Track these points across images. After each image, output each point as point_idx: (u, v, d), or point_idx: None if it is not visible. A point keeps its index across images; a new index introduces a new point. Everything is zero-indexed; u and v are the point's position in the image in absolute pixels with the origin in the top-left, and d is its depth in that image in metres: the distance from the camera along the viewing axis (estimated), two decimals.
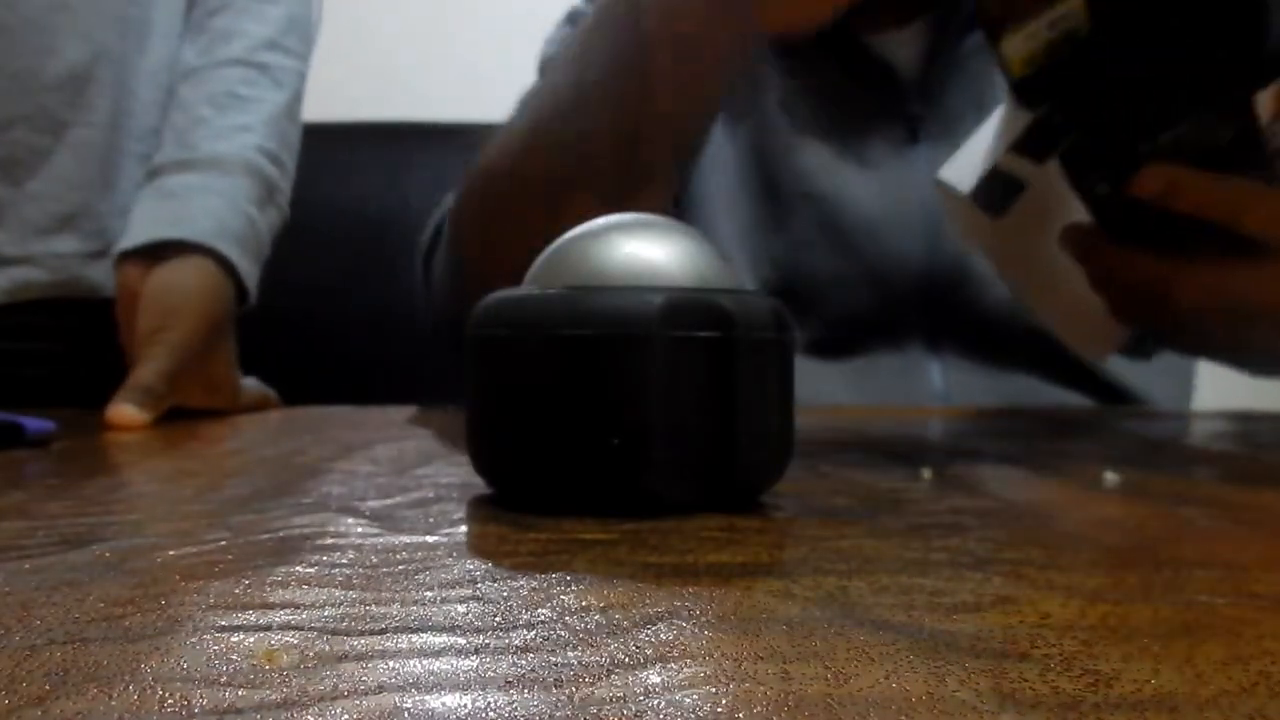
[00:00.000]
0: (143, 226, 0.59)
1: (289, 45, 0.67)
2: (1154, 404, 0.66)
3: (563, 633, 0.16)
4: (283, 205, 0.66)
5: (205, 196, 0.60)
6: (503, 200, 0.50)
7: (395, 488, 0.29)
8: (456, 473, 0.32)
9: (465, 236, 0.54)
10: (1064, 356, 0.61)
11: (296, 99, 0.68)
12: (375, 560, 0.20)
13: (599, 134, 0.45)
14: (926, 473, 0.32)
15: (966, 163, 0.50)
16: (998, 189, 0.49)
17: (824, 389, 0.64)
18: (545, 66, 0.69)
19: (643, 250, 0.25)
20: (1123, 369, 0.65)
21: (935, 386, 0.63)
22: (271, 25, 0.67)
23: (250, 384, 0.64)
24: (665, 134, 0.46)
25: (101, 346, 0.62)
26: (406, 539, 0.22)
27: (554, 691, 0.13)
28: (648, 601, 0.17)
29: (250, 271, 0.61)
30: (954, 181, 0.50)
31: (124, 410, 0.50)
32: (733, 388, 0.24)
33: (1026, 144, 0.48)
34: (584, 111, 0.46)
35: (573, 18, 0.71)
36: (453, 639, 0.15)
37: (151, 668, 0.14)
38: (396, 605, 0.17)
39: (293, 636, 0.15)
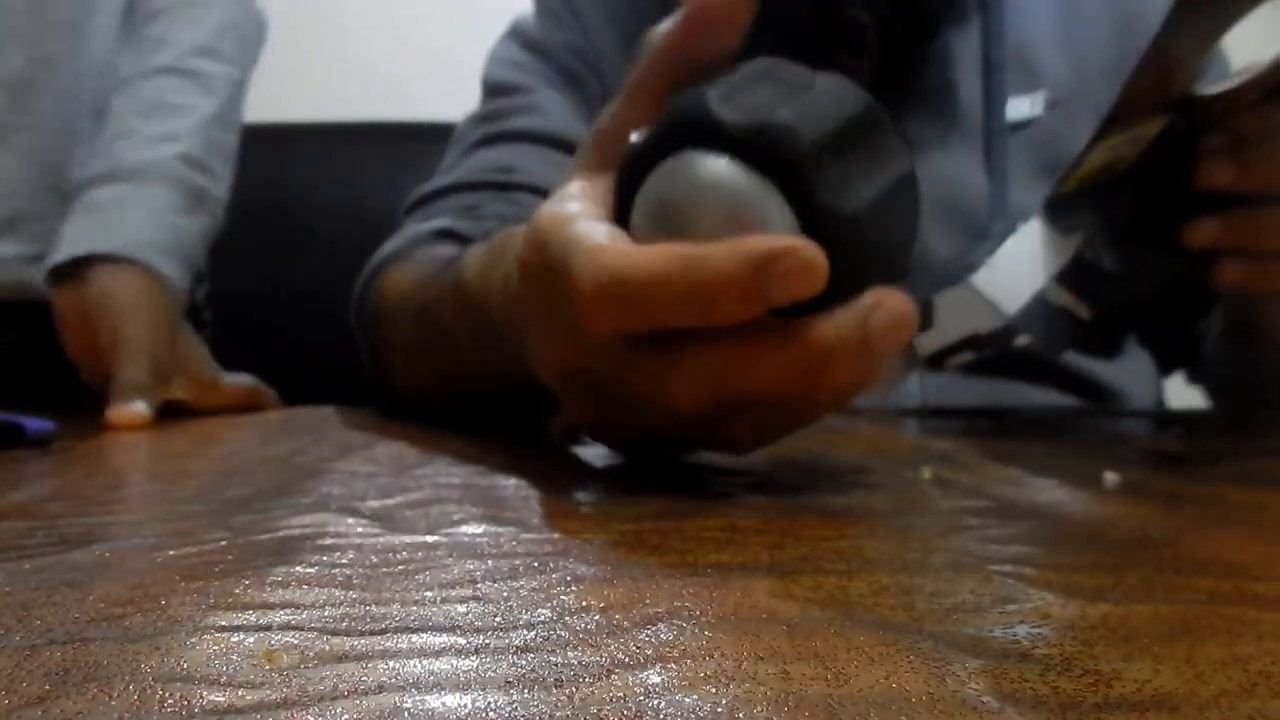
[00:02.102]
0: (70, 241, 0.60)
1: (223, 50, 0.67)
2: (1127, 399, 0.67)
3: (563, 633, 0.16)
4: (215, 211, 0.66)
5: (128, 209, 0.61)
6: (405, 365, 0.53)
7: (395, 488, 0.29)
8: (456, 472, 0.32)
9: (379, 366, 0.57)
10: (1038, 355, 0.61)
11: (230, 105, 0.68)
12: (375, 560, 0.20)
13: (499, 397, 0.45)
14: (926, 473, 0.32)
15: (1007, 280, 0.45)
16: (1050, 322, 0.45)
17: None
18: (494, 86, 0.69)
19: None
20: (1092, 366, 0.65)
21: (911, 388, 0.63)
22: (204, 31, 0.67)
23: (243, 379, 0.64)
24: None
25: (48, 347, 0.64)
26: (406, 539, 0.22)
27: (554, 691, 0.13)
28: (648, 601, 0.17)
29: (180, 279, 0.61)
30: (995, 297, 0.45)
31: (124, 410, 0.51)
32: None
33: (1070, 277, 0.45)
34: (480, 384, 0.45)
35: (517, 33, 0.71)
36: (453, 639, 0.15)
37: (151, 668, 0.14)
38: (396, 605, 0.17)
39: (293, 636, 0.15)
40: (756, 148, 0.25)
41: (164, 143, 0.63)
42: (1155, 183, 0.45)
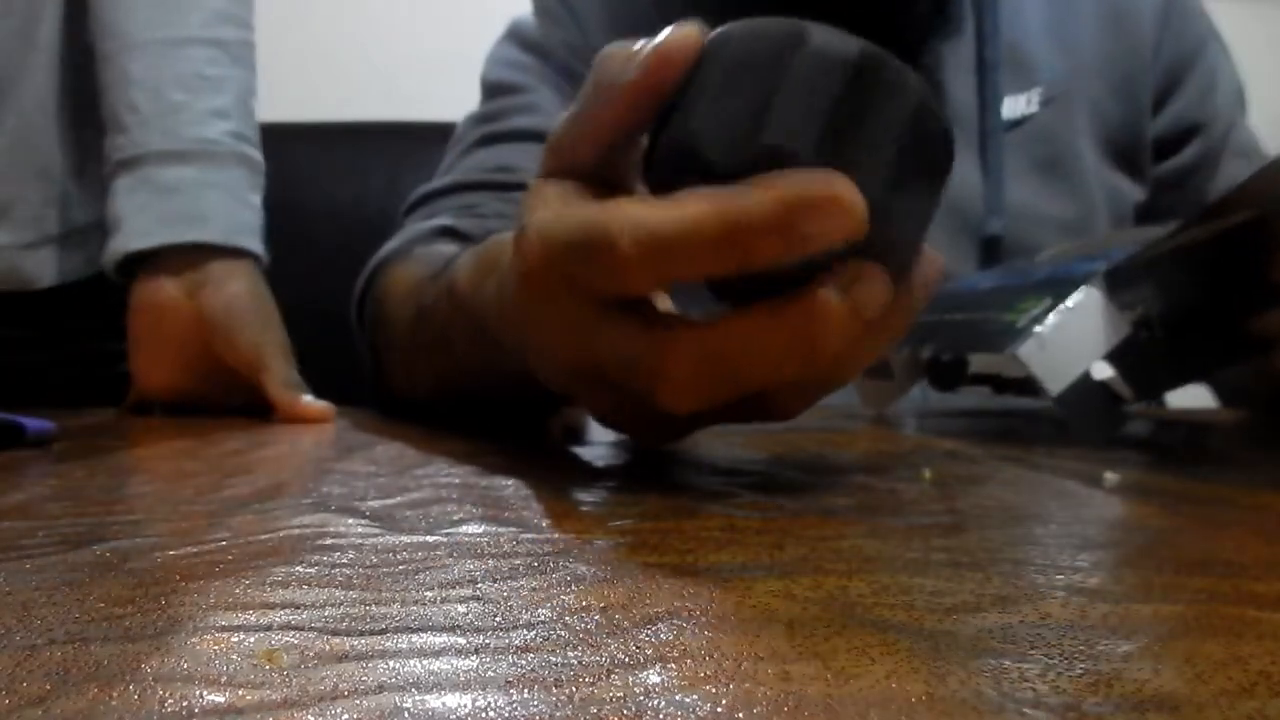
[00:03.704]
0: (150, 224, 0.58)
1: (239, 15, 0.66)
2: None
3: (563, 633, 0.16)
4: (263, 186, 0.66)
5: (210, 191, 0.60)
6: (410, 365, 0.54)
7: (395, 488, 0.29)
8: (456, 472, 0.32)
9: (380, 364, 0.58)
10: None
11: (253, 73, 0.67)
12: (375, 560, 0.20)
13: (500, 391, 0.46)
14: (926, 473, 0.32)
15: (1057, 356, 0.41)
16: (1091, 400, 0.41)
17: None
18: (492, 86, 0.69)
19: None
20: None
21: (913, 393, 0.63)
22: None
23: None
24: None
25: (42, 335, 0.65)
26: (406, 539, 0.22)
27: (554, 691, 0.13)
28: (648, 601, 0.17)
29: (266, 261, 0.62)
30: (1041, 376, 0.41)
31: (318, 405, 0.54)
32: None
33: (1121, 357, 0.41)
34: (485, 382, 0.46)
35: (515, 34, 0.71)
36: (453, 639, 0.15)
37: (151, 668, 0.14)
38: (396, 605, 0.17)
39: (293, 636, 0.15)
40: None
41: (216, 119, 0.61)
42: (1227, 266, 0.42)
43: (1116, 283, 0.42)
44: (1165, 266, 0.42)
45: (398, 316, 0.54)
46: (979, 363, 0.45)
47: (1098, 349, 0.41)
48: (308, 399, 0.54)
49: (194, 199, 0.59)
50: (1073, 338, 0.41)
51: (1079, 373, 0.41)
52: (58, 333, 0.70)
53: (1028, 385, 0.43)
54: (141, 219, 0.59)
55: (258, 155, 0.64)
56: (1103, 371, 0.41)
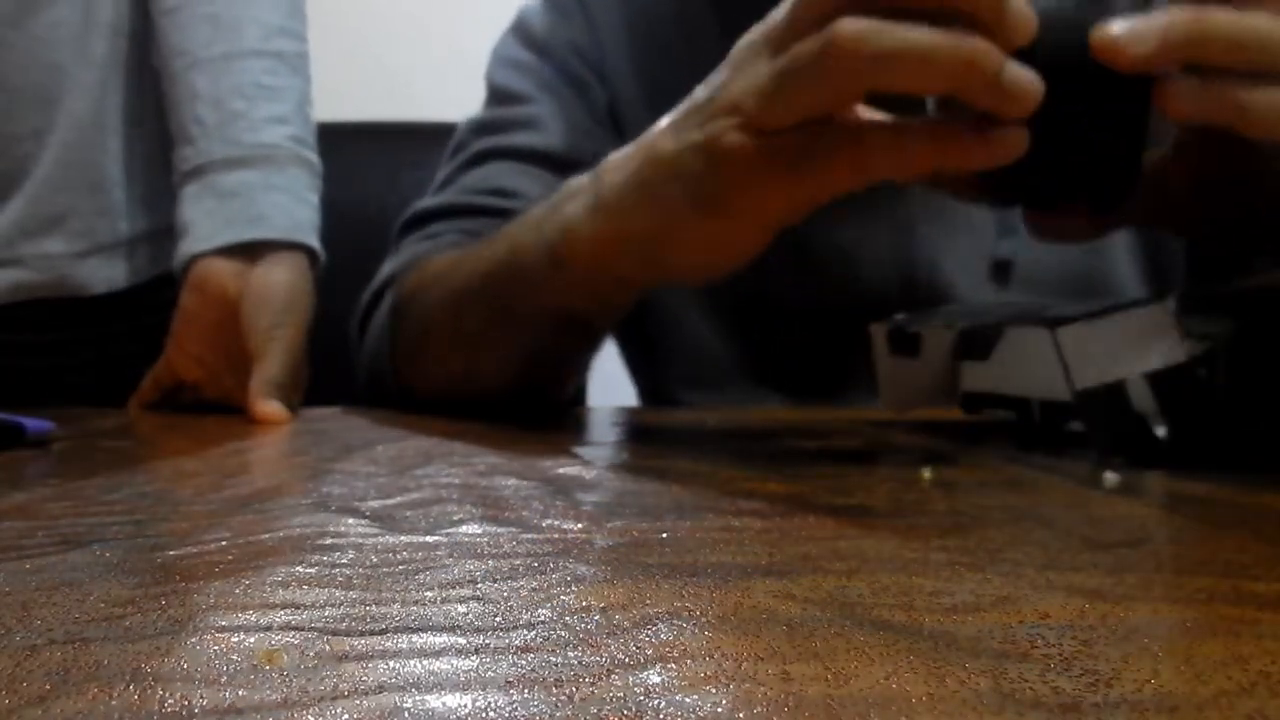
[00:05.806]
0: (216, 227, 0.61)
1: (295, 29, 0.68)
2: None
3: (563, 633, 0.16)
4: (320, 186, 0.68)
5: (271, 193, 0.62)
6: (438, 349, 0.56)
7: (395, 488, 0.29)
8: (456, 473, 0.32)
9: (398, 354, 0.59)
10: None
11: (309, 82, 0.69)
12: (375, 560, 0.20)
13: (533, 324, 0.50)
14: (926, 473, 0.32)
15: (1093, 351, 0.37)
16: (1116, 421, 0.37)
17: None
18: (495, 90, 0.69)
19: None
20: None
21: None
22: (278, 11, 0.67)
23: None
24: (588, 323, 0.51)
25: (91, 341, 0.67)
26: (406, 539, 0.22)
27: (554, 691, 0.13)
28: (648, 601, 0.17)
29: (323, 255, 0.64)
30: (1071, 363, 0.37)
31: (272, 407, 0.54)
32: None
33: (1165, 385, 0.36)
34: (519, 310, 0.50)
35: (521, 28, 0.70)
36: (453, 639, 0.15)
37: (151, 668, 0.14)
38: (396, 605, 0.17)
39: (293, 636, 0.15)
40: None
41: (275, 125, 0.64)
42: None
43: (1192, 306, 0.38)
44: (1255, 305, 0.37)
45: (452, 276, 0.54)
46: (1005, 367, 0.41)
47: (1142, 364, 0.37)
48: (271, 404, 0.55)
49: (255, 200, 0.61)
50: (1122, 339, 0.37)
51: (1113, 378, 0.37)
52: (82, 338, 0.71)
53: (1059, 415, 0.40)
54: (207, 224, 0.61)
55: (316, 158, 0.66)
56: (1143, 399, 0.37)
